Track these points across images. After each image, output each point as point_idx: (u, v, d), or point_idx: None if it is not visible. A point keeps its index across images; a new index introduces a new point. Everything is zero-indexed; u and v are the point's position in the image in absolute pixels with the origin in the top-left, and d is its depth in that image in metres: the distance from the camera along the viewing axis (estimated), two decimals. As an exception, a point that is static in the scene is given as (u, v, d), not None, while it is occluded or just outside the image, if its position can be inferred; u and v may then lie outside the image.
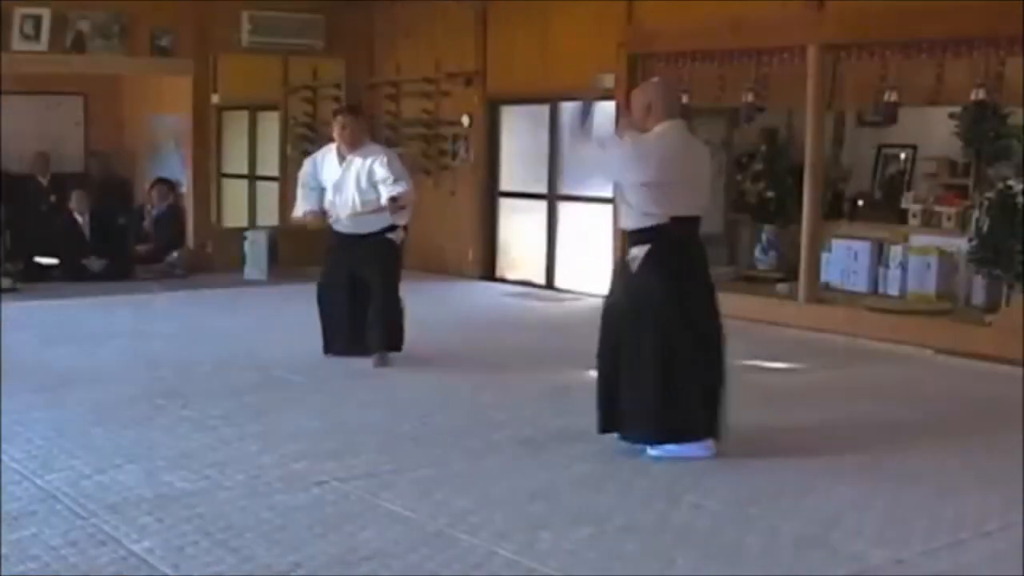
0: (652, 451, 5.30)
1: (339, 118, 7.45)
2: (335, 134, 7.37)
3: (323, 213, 7.38)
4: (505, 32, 11.36)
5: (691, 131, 10.66)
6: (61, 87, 12.94)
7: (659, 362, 5.20)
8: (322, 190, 7.41)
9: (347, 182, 7.23)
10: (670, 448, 5.27)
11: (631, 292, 5.32)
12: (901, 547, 4.22)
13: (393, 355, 7.29)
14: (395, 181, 7.14)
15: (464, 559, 4.04)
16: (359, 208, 7.20)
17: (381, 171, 7.14)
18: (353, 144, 7.27)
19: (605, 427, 5.40)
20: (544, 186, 11.24)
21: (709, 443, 5.32)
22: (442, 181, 12.02)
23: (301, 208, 7.52)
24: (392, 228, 7.31)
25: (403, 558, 4.04)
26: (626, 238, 5.53)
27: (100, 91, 13.48)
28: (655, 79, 5.87)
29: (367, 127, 7.83)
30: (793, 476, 5.06)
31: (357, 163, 7.20)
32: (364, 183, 7.17)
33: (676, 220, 5.26)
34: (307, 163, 7.62)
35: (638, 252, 5.28)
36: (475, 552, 4.11)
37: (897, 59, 8.38)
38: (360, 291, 7.32)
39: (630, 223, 5.38)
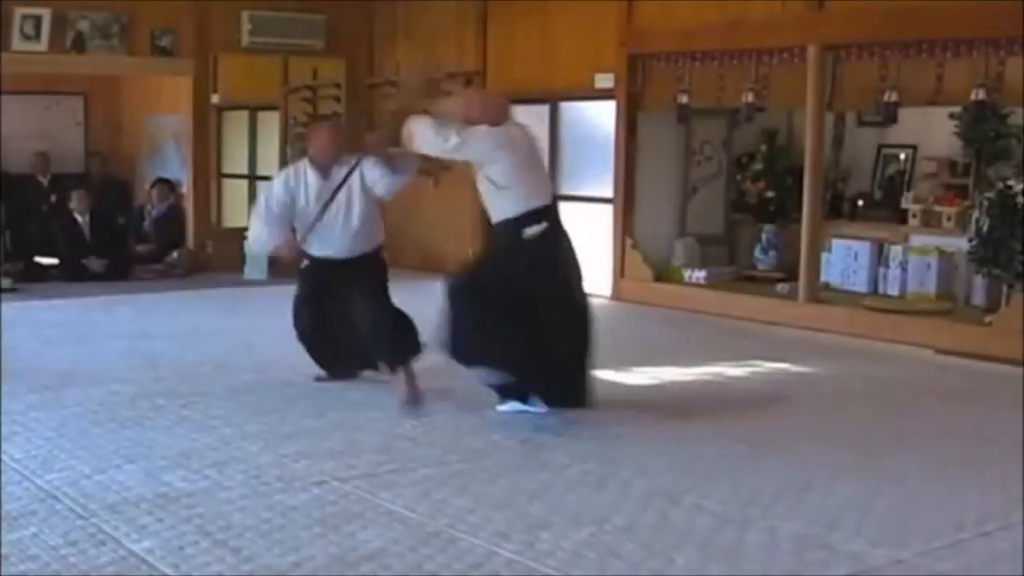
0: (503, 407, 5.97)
1: (328, 125, 6.85)
2: (319, 145, 6.52)
3: (296, 242, 6.51)
4: (505, 32, 11.36)
5: (691, 131, 10.74)
6: (61, 87, 12.94)
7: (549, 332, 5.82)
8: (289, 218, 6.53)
9: (341, 197, 6.41)
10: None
11: (530, 270, 5.83)
12: (901, 547, 4.22)
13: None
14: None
15: (464, 559, 4.04)
16: (358, 222, 6.45)
17: (372, 170, 6.40)
18: (338, 155, 6.49)
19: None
20: (544, 186, 11.23)
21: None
22: (442, 181, 12.00)
23: (272, 239, 6.54)
24: (381, 247, 6.67)
25: (403, 558, 4.04)
26: (513, 222, 5.86)
27: (100, 91, 13.48)
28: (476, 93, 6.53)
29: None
30: (793, 476, 5.06)
31: (343, 173, 6.41)
32: (360, 191, 6.42)
33: (553, 201, 5.95)
34: (279, 186, 6.53)
35: (533, 231, 5.80)
36: (475, 552, 4.11)
37: (897, 59, 8.38)
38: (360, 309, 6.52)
39: (517, 207, 5.82)
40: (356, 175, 6.44)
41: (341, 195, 6.43)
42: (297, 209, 6.50)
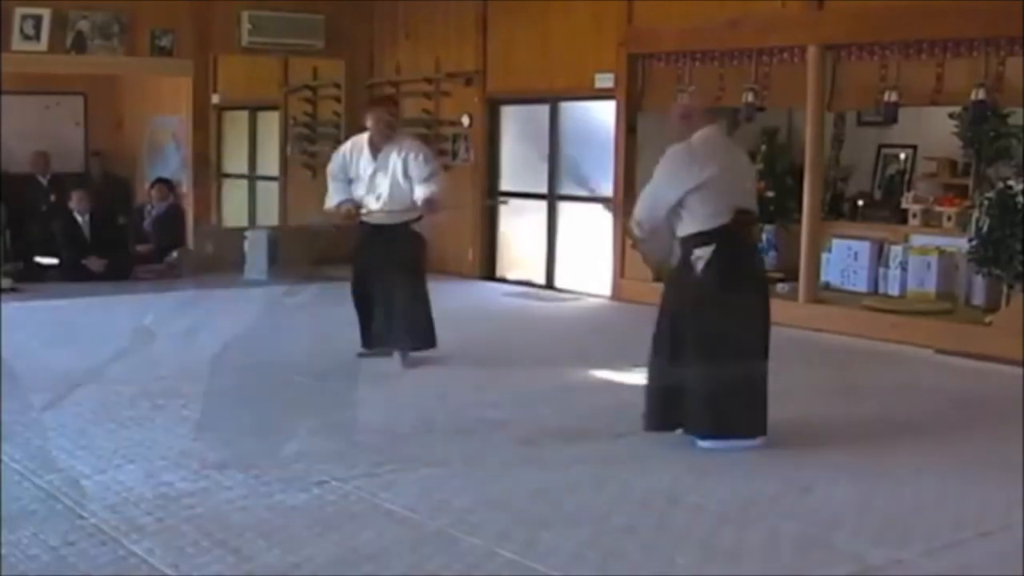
0: (704, 443, 5.47)
1: (377, 110, 7.47)
2: (371, 126, 7.36)
3: (356, 204, 7.37)
4: (505, 32, 11.36)
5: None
6: (61, 87, 12.94)
7: (718, 358, 5.37)
8: (350, 182, 7.43)
9: (381, 175, 7.26)
10: (721, 442, 5.46)
11: (694, 292, 5.46)
12: (901, 547, 4.22)
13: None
14: (429, 179, 7.22)
15: (464, 559, 4.04)
16: (392, 202, 7.25)
17: (416, 169, 7.20)
18: (390, 137, 7.32)
19: (657, 425, 5.58)
20: (544, 186, 11.24)
21: (757, 441, 5.49)
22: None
23: (335, 199, 7.49)
24: (418, 219, 7.38)
25: (403, 558, 4.04)
26: (683, 242, 5.55)
27: (100, 91, 13.48)
28: (691, 93, 6.05)
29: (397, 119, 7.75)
30: (793, 476, 5.06)
31: (392, 156, 7.25)
32: (400, 177, 7.22)
33: (735, 218, 5.46)
34: (337, 157, 7.57)
35: (702, 252, 5.43)
36: (475, 552, 4.11)
37: (897, 59, 8.39)
38: (388, 285, 7.33)
39: (690, 227, 5.49)
40: (402, 156, 7.25)
41: (386, 172, 7.26)
42: (351, 175, 7.43)
